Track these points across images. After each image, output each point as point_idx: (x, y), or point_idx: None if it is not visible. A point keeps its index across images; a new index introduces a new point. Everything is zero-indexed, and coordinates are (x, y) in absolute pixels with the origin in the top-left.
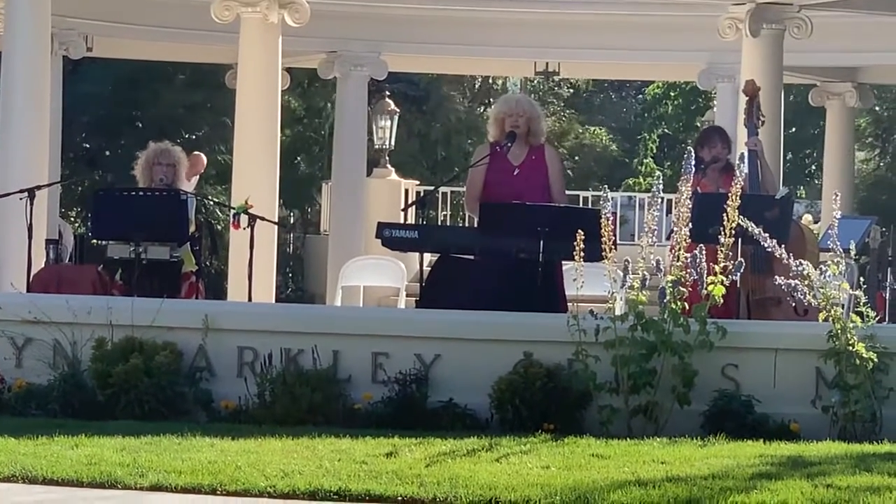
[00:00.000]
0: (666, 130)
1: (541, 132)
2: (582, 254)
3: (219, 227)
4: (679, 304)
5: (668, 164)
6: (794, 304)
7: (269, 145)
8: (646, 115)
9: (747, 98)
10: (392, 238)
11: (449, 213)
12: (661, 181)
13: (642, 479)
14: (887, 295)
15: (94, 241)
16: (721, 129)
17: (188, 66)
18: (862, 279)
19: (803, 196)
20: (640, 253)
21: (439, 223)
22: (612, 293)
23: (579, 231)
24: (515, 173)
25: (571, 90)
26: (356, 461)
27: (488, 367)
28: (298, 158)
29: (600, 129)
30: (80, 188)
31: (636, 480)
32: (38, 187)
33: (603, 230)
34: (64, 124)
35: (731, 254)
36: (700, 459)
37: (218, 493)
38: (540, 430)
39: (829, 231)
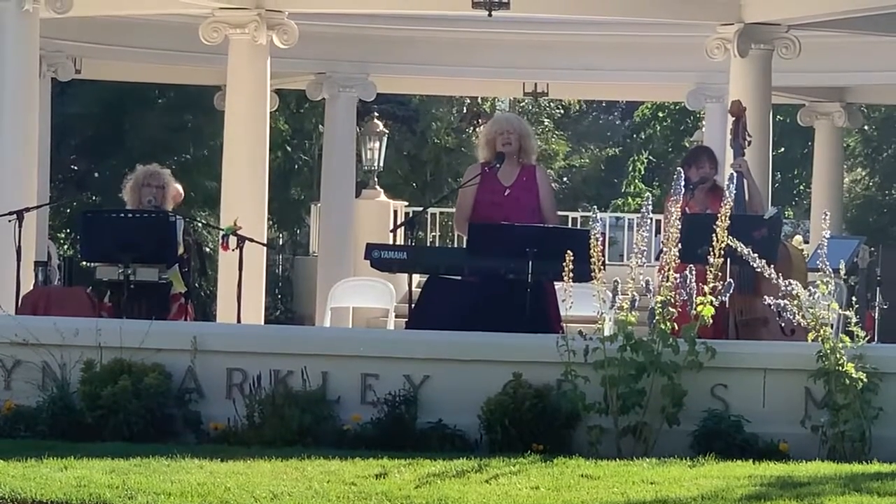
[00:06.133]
0: (652, 157)
1: (532, 150)
2: (571, 274)
3: (207, 249)
4: (668, 324)
5: (657, 184)
6: (781, 325)
7: (258, 167)
8: (634, 136)
9: (733, 118)
10: (381, 259)
11: (438, 233)
12: (650, 202)
13: (632, 499)
14: (876, 314)
15: (83, 262)
16: (709, 149)
17: (176, 88)
18: (853, 299)
19: (791, 216)
20: (629, 273)
21: (428, 244)
22: (602, 314)
23: (568, 252)
24: (506, 194)
25: (560, 111)
26: (346, 483)
27: (477, 387)
28: (288, 180)
29: (589, 148)
30: (68, 210)
31: (625, 501)
32: (27, 209)
33: (592, 251)
34: (52, 146)
35: (719, 274)
36: (689, 480)
37: None
38: (529, 451)
39: (819, 251)
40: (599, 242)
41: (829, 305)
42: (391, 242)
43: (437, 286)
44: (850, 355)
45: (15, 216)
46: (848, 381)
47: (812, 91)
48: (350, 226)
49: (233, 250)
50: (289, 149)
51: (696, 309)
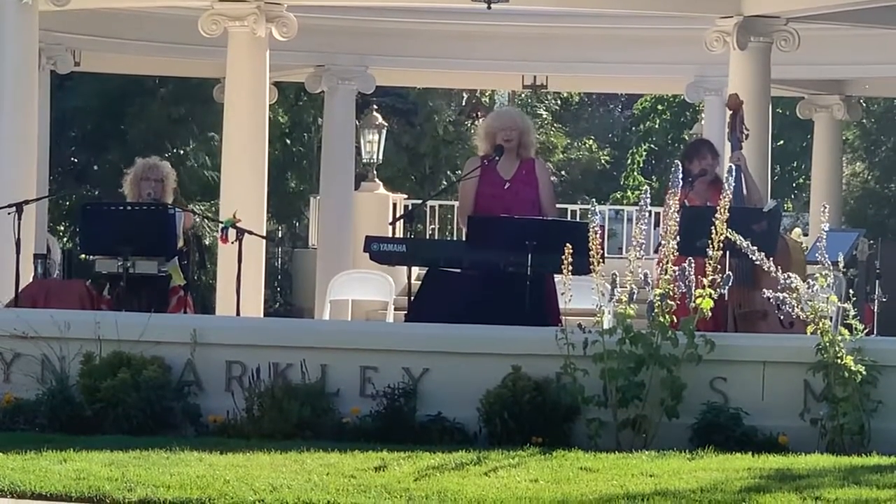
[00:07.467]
0: (653, 147)
1: (531, 144)
2: (570, 267)
3: (207, 242)
4: (667, 317)
5: (656, 177)
6: (780, 317)
7: (257, 159)
8: (634, 128)
9: (731, 112)
10: (380, 252)
11: (437, 226)
12: (648, 194)
13: (631, 492)
14: (875, 307)
15: (82, 255)
16: (709, 142)
17: (175, 81)
18: (851, 292)
19: (790, 209)
20: (628, 266)
21: (427, 237)
22: (601, 307)
23: (567, 244)
24: (506, 187)
25: (559, 104)
26: (345, 475)
27: (476, 380)
28: (286, 173)
29: (589, 140)
30: (67, 203)
31: (625, 494)
32: (26, 202)
33: (591, 243)
34: (52, 139)
35: (718, 267)
36: (689, 473)
37: None
38: (528, 444)
39: (818, 244)
40: (598, 235)
41: (827, 298)
42: (390, 235)
43: (437, 279)
44: (849, 348)
45: (14, 209)
46: (847, 374)
47: (811, 84)
48: (349, 218)
49: (232, 243)
50: (288, 141)
51: (694, 302)
